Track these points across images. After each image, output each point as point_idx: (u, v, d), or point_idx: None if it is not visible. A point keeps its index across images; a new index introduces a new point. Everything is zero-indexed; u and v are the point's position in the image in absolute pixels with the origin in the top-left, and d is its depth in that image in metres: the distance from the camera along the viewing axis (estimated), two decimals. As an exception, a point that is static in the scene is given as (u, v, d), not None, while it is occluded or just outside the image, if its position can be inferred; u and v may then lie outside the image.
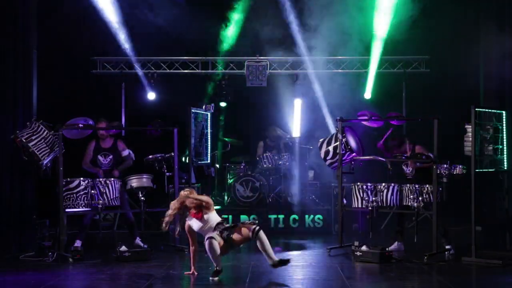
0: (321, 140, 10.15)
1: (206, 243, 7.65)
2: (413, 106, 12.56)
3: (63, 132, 9.20)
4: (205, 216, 7.83)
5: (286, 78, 13.43)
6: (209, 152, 11.09)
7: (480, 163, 9.06)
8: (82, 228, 9.68)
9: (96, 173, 9.85)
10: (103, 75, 13.20)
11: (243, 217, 11.36)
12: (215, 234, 7.72)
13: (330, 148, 9.88)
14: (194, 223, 7.88)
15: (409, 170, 9.60)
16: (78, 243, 9.53)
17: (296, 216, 11.59)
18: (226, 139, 13.53)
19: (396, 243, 9.69)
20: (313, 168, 13.06)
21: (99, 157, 9.97)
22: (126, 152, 10.12)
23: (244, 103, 13.73)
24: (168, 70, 13.23)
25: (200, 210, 7.85)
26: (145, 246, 9.48)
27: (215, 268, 7.74)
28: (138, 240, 9.83)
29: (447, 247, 9.24)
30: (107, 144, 10.05)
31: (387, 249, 9.00)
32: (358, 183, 9.55)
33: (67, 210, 9.10)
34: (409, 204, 9.24)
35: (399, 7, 11.45)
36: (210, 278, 7.70)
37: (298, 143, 13.09)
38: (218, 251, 7.66)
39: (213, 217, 7.89)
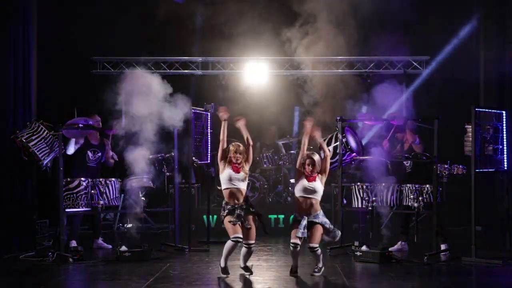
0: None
1: (232, 242, 7.75)
2: (413, 106, 12.56)
3: (63, 132, 9.20)
4: (242, 175, 7.93)
5: (286, 78, 13.44)
6: (209, 152, 11.08)
7: (480, 163, 9.06)
8: (74, 228, 9.80)
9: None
10: (103, 75, 13.19)
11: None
12: (238, 229, 7.76)
13: (330, 148, 9.89)
14: (227, 170, 7.94)
15: (408, 163, 9.63)
16: (73, 243, 9.58)
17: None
18: None
19: (400, 242, 9.71)
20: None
21: (89, 152, 10.01)
22: (110, 153, 10.26)
23: (244, 103, 13.72)
24: (168, 70, 13.22)
25: (241, 166, 7.95)
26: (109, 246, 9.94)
27: (223, 266, 7.89)
28: (100, 241, 10.11)
29: (442, 246, 9.22)
30: (96, 141, 10.11)
31: (389, 248, 9.00)
32: (358, 183, 9.57)
33: (67, 210, 9.10)
34: (409, 204, 9.25)
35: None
36: (224, 275, 7.84)
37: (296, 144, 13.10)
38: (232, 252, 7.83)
39: (244, 185, 7.99)
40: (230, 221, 7.76)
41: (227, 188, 7.94)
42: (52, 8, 12.11)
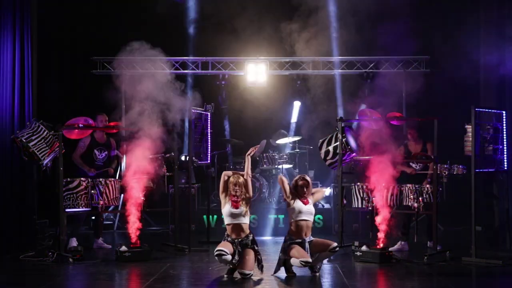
0: (321, 140, 10.14)
1: (216, 258, 7.79)
2: (413, 106, 12.56)
3: (63, 132, 9.19)
4: (241, 210, 7.95)
5: (286, 79, 13.43)
6: (209, 152, 11.08)
7: (480, 163, 9.05)
8: (76, 224, 9.82)
9: (86, 171, 9.85)
10: (103, 75, 13.18)
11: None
12: (227, 245, 7.82)
13: (330, 148, 9.88)
14: (227, 206, 7.99)
15: (417, 166, 9.65)
16: (74, 242, 9.57)
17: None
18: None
19: (400, 242, 9.70)
20: (313, 168, 13.05)
21: (96, 151, 10.07)
22: (114, 152, 10.30)
23: (244, 103, 13.71)
24: (167, 70, 13.19)
25: (240, 201, 7.99)
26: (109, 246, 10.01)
27: (229, 267, 7.92)
28: (100, 240, 10.12)
29: (439, 248, 9.18)
30: (101, 139, 10.13)
31: (389, 248, 8.99)
32: (358, 183, 9.56)
33: (67, 210, 9.10)
34: (409, 204, 9.25)
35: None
36: (225, 276, 7.88)
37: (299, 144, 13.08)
38: (229, 259, 7.79)
39: (246, 220, 8.02)
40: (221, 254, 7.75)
41: (228, 224, 8.01)
42: (52, 7, 12.11)
